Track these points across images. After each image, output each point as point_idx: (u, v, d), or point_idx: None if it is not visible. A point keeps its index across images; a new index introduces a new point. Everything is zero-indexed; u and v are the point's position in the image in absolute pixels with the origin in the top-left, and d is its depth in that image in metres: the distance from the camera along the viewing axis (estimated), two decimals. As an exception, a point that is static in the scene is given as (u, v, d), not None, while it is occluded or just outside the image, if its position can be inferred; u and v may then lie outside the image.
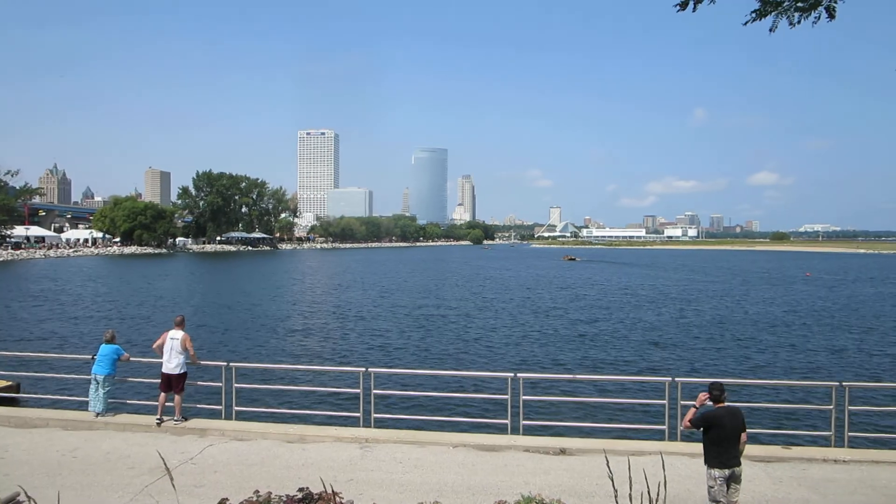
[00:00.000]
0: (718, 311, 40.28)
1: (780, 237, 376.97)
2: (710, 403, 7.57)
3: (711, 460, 7.36)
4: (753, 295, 52.01)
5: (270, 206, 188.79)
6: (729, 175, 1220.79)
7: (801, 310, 40.98)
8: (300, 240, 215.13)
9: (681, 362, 23.65)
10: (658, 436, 11.36)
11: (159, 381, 11.91)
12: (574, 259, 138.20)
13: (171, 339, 11.84)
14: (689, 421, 7.56)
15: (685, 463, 9.83)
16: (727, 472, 7.31)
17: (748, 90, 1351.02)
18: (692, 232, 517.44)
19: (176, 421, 11.67)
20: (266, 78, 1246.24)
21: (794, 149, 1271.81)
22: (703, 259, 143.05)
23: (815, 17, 6.98)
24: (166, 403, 11.79)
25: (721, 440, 7.33)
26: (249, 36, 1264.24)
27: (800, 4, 6.99)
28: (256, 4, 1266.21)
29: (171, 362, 11.75)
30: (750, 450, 10.45)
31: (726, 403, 7.58)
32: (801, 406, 15.88)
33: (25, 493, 4.26)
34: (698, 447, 10.64)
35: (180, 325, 12.05)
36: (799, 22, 7.02)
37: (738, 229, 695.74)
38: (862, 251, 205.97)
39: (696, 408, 7.61)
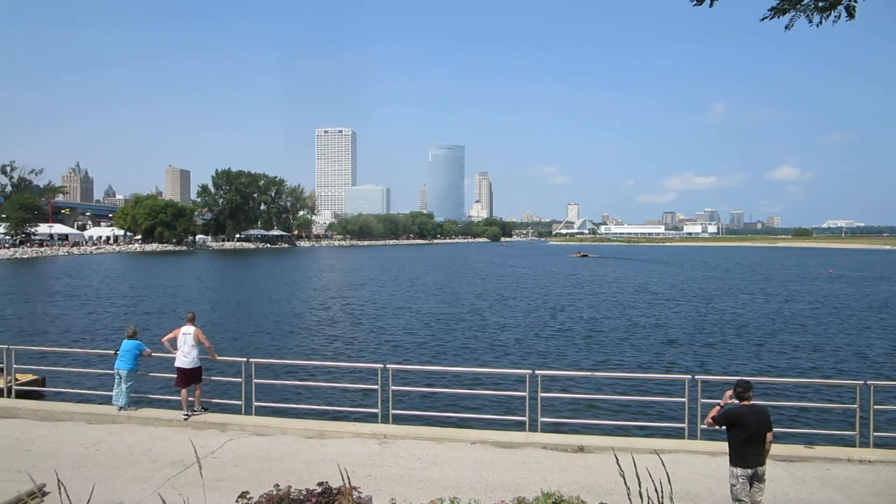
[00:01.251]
0: (739, 308, 39.83)
1: (802, 233, 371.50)
2: (735, 401, 7.50)
3: (734, 458, 7.30)
4: (775, 292, 51.34)
5: (288, 204, 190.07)
6: (749, 170, 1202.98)
7: (824, 308, 40.38)
8: (318, 237, 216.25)
9: (701, 360, 23.43)
10: (678, 434, 11.27)
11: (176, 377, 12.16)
12: (586, 255, 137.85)
13: (185, 334, 12.07)
14: (712, 418, 7.51)
15: (705, 461, 9.76)
16: (749, 471, 7.23)
17: (768, 84, 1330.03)
18: (712, 228, 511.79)
19: (197, 412, 11.86)
20: (284, 76, 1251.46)
21: (816, 143, 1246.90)
22: (723, 256, 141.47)
23: (836, 17, 6.90)
24: (189, 398, 11.98)
25: (743, 438, 7.26)
26: (265, 34, 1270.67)
27: (820, 4, 6.89)
28: (268, 4, 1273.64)
29: (188, 357, 11.94)
30: (772, 449, 10.33)
31: (752, 402, 7.49)
32: (824, 405, 15.66)
33: (60, 482, 4.33)
34: (719, 446, 10.56)
35: (191, 321, 12.30)
36: (820, 22, 6.92)
37: (759, 225, 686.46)
38: (888, 248, 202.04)
39: (721, 406, 7.54)
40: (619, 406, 16.22)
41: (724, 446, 10.40)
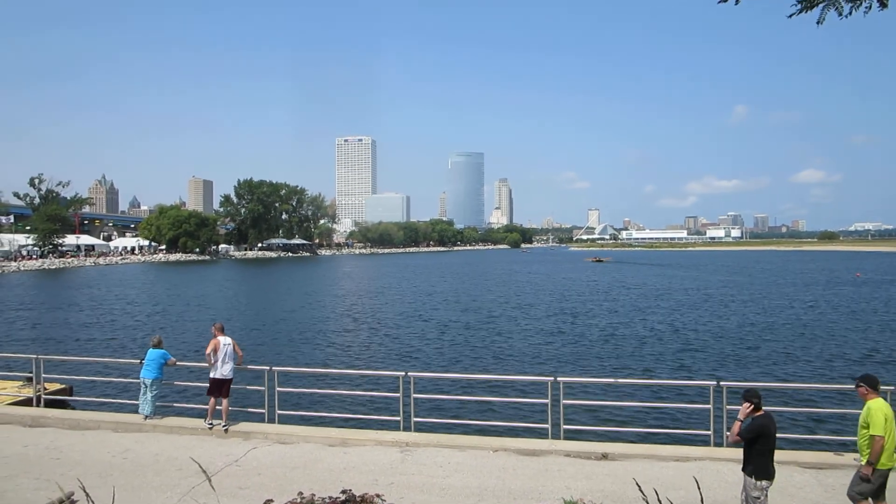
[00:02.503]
0: (763, 313, 39.23)
1: (828, 237, 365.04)
2: (749, 411, 7.41)
3: (760, 471, 7.16)
4: (800, 297, 50.51)
5: (310, 213, 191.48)
6: (772, 173, 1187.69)
7: (851, 312, 39.62)
8: (339, 245, 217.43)
9: (726, 366, 23.11)
10: (703, 441, 11.12)
11: (207, 385, 12.05)
12: (601, 260, 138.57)
13: (225, 344, 11.97)
14: (738, 434, 7.35)
15: (732, 469, 9.59)
16: (771, 482, 7.19)
17: (790, 86, 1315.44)
18: (735, 232, 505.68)
19: (224, 426, 11.85)
20: (303, 86, 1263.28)
21: (842, 144, 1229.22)
22: (746, 260, 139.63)
23: (866, 7, 6.67)
24: (216, 408, 11.98)
25: (768, 449, 7.20)
26: (283, 45, 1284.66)
27: None
28: (286, 12, 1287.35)
29: (227, 367, 11.90)
30: (800, 456, 10.16)
31: (764, 410, 7.41)
32: (853, 411, 15.30)
33: (84, 490, 4.41)
34: (745, 453, 10.36)
35: (223, 330, 12.27)
36: (850, 13, 6.72)
37: (783, 229, 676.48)
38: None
39: (741, 420, 7.43)
40: (643, 413, 16.05)
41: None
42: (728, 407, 10.67)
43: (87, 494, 4.33)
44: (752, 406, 7.37)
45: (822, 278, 74.07)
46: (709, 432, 10.87)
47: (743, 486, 7.43)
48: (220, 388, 11.88)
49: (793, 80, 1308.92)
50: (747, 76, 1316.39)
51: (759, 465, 7.19)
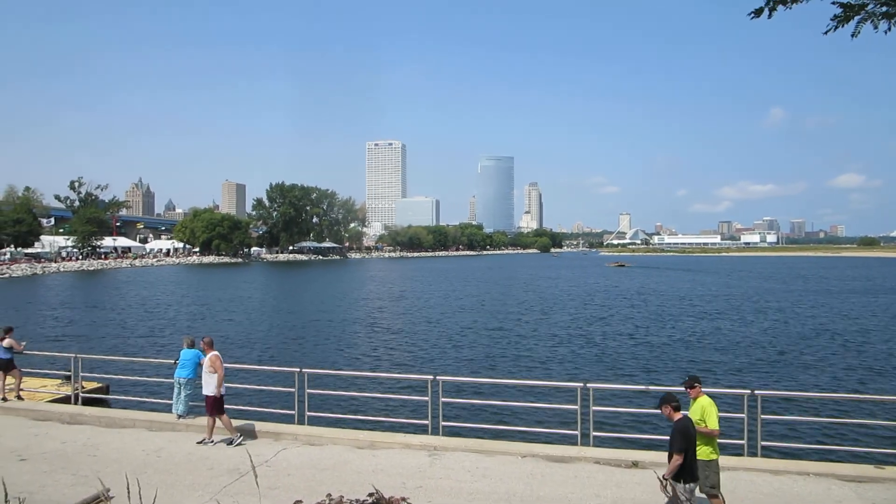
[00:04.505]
0: (800, 321, 38.33)
1: (868, 242, 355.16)
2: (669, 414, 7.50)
3: (686, 475, 7.24)
4: (838, 305, 49.23)
5: (340, 216, 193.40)
6: (809, 178, 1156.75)
7: (891, 319, 38.46)
8: (369, 249, 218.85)
9: (759, 374, 22.62)
10: (736, 451, 10.89)
11: (228, 389, 11.77)
12: (622, 265, 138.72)
13: (222, 361, 11.67)
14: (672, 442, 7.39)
15: (766, 479, 9.40)
16: (697, 484, 7.34)
17: (830, 87, 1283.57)
18: (771, 238, 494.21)
19: (238, 440, 11.50)
20: (337, 90, 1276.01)
21: (883, 148, 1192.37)
22: (782, 266, 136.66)
23: None
24: (216, 426, 11.53)
25: (692, 451, 7.36)
26: (309, 50, 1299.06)
27: (885, 9, 6.62)
28: (315, 21, 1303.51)
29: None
30: (839, 468, 9.89)
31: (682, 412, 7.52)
32: (894, 423, 14.88)
33: (106, 492, 4.50)
34: (780, 463, 10.18)
35: (213, 345, 11.93)
36: (889, 29, 6.65)
37: (821, 235, 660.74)
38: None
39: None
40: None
41: (788, 464, 10.04)
42: (763, 416, 10.47)
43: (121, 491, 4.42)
44: (674, 409, 7.49)
45: (861, 287, 72.10)
46: (742, 442, 10.65)
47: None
48: (222, 403, 11.52)
49: (832, 83, 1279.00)
50: (784, 78, 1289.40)
51: (684, 468, 7.22)
